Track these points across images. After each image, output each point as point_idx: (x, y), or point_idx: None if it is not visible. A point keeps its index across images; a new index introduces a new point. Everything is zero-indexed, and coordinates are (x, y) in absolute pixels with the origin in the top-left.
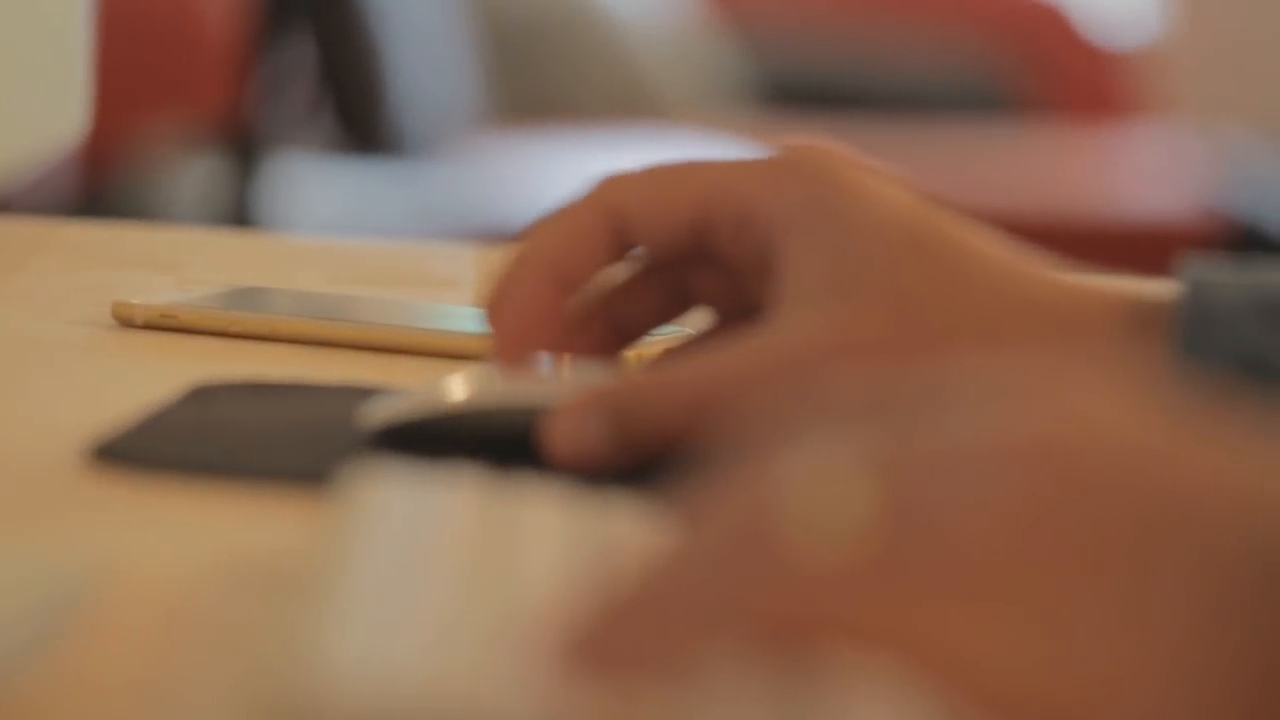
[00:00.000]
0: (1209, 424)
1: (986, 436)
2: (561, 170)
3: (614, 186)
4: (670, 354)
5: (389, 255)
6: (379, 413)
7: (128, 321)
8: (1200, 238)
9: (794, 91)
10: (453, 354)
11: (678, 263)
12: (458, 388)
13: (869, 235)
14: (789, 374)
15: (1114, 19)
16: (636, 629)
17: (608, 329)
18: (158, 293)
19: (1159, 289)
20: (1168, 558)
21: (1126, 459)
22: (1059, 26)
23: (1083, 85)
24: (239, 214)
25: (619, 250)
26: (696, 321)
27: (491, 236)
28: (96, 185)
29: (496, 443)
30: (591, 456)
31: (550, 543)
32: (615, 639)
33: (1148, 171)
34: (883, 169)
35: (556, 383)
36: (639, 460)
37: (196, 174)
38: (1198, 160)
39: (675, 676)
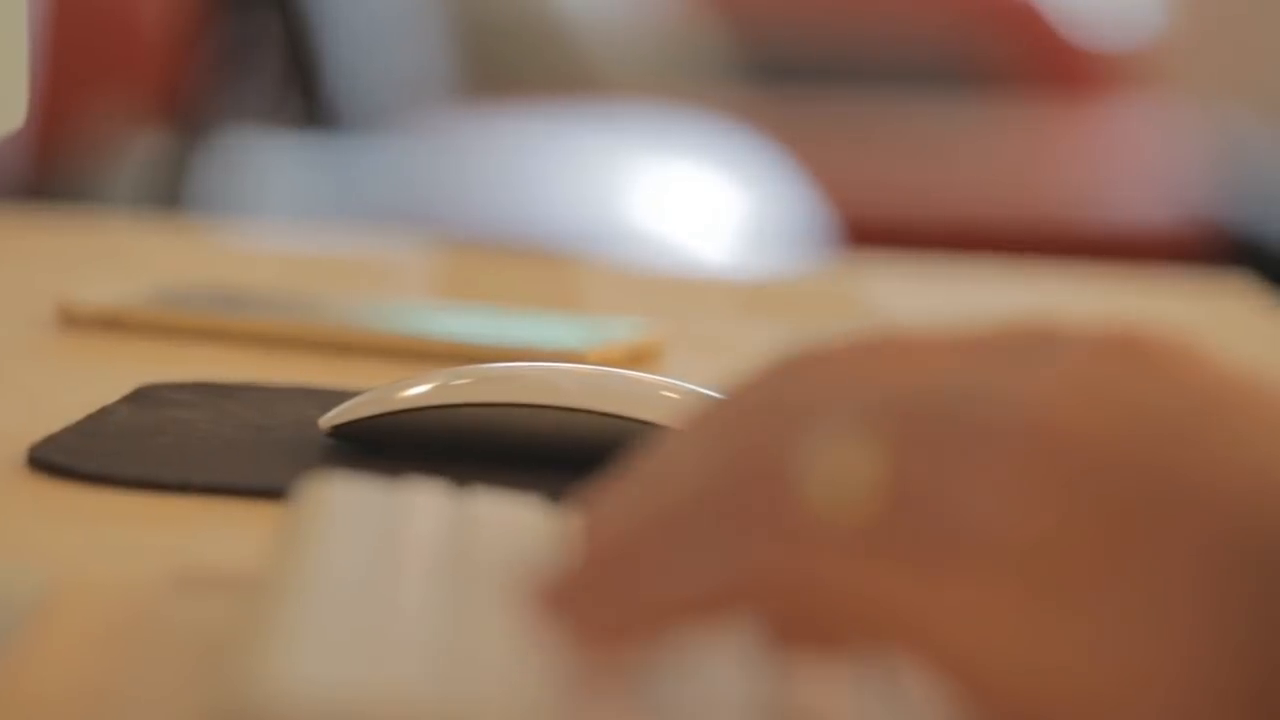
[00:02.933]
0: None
1: (1005, 412)
2: (519, 148)
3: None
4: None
5: (341, 249)
6: (333, 413)
7: (73, 321)
8: (1191, 245)
9: (773, 68)
10: (408, 353)
11: None
12: (413, 387)
13: None
14: None
15: (1110, 8)
16: (625, 578)
17: None
18: (104, 291)
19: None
20: (1185, 543)
21: (1153, 443)
22: (1036, 14)
23: (1067, 75)
24: (187, 194)
25: None
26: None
27: (444, 215)
28: (42, 168)
29: (453, 442)
30: None
31: (507, 557)
32: (604, 585)
33: (1138, 168)
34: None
35: (523, 383)
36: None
37: (142, 154)
38: (1192, 156)
39: (663, 634)
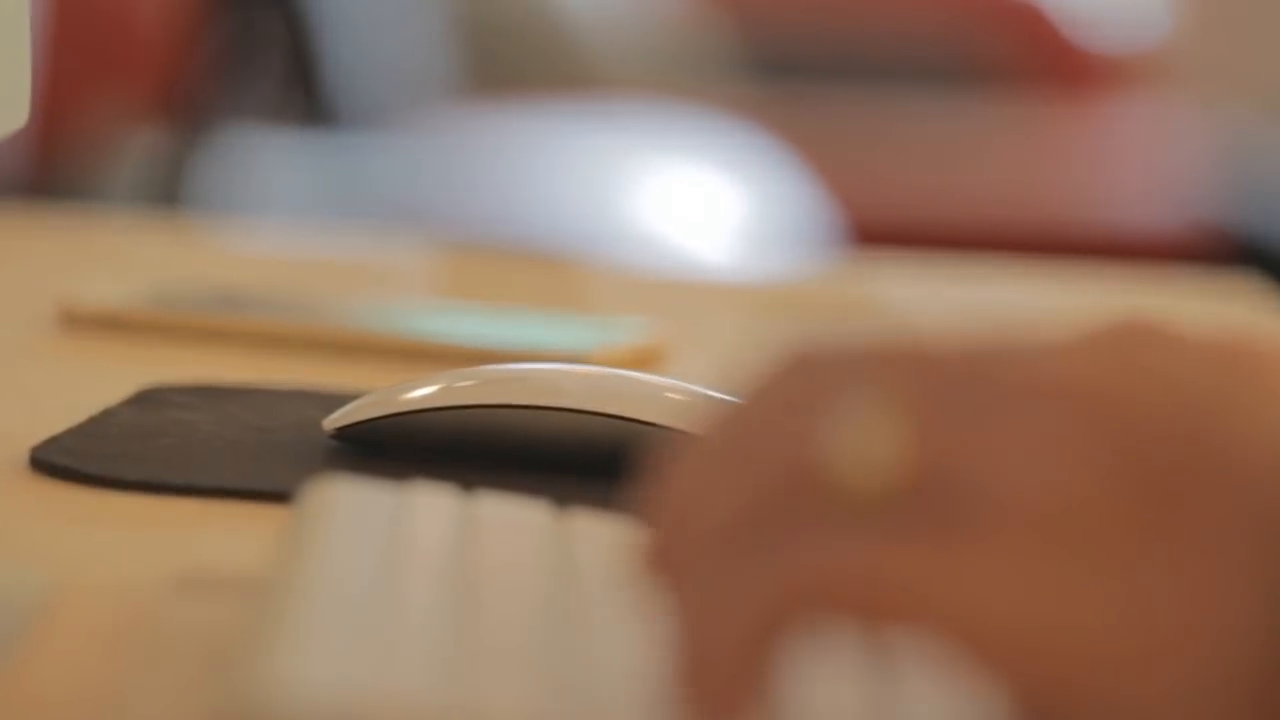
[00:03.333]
0: None
1: (1035, 376)
2: (522, 147)
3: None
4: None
5: (343, 249)
6: (337, 414)
7: (74, 321)
8: (1196, 246)
9: (778, 66)
10: (411, 355)
11: None
12: (417, 389)
13: None
14: None
15: (1116, 9)
16: (685, 624)
17: None
18: (105, 291)
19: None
20: (1218, 512)
21: (1187, 411)
22: (1043, 14)
23: (1074, 75)
24: (187, 192)
25: None
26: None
27: (446, 213)
28: (42, 166)
29: (456, 444)
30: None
31: (512, 560)
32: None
33: (1143, 169)
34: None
35: (526, 384)
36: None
37: (142, 152)
38: (1197, 157)
39: (756, 663)
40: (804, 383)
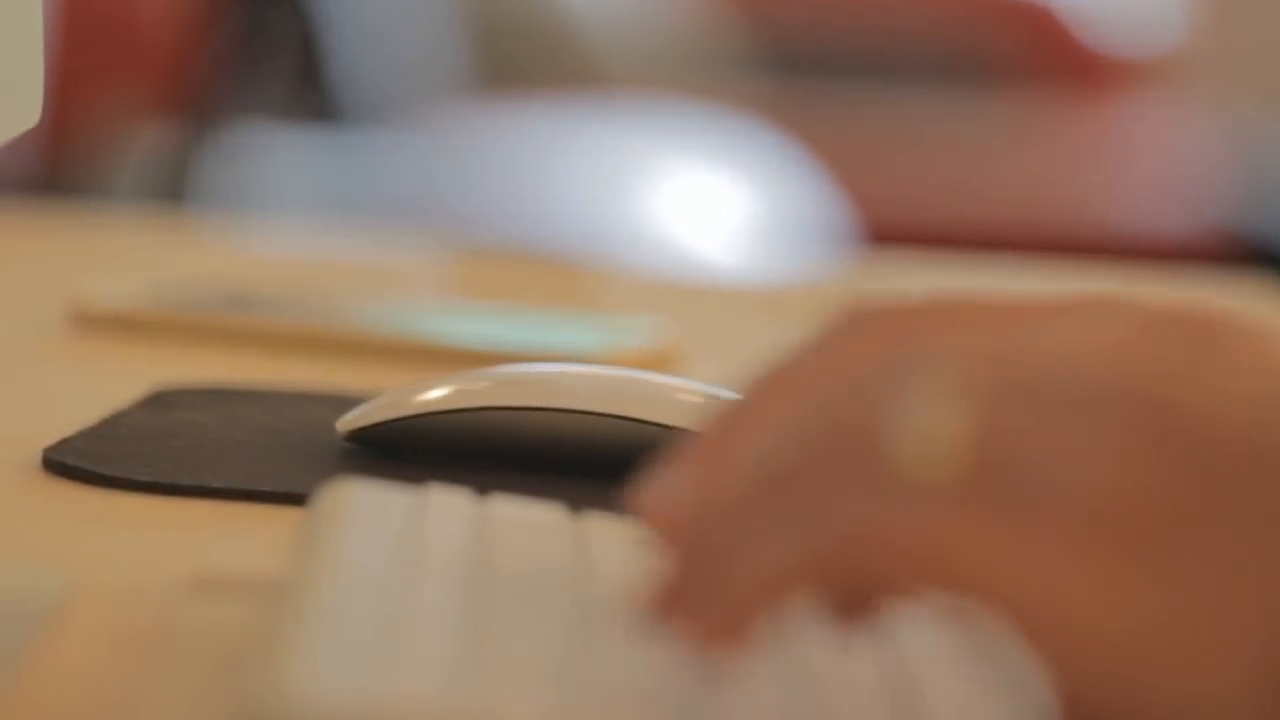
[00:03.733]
0: None
1: (1093, 375)
2: (531, 145)
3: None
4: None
5: (355, 249)
6: (350, 416)
7: (86, 322)
8: (1208, 247)
9: (790, 64)
10: (424, 356)
11: None
12: (430, 391)
13: None
14: None
15: (1130, 11)
16: (725, 558)
17: None
18: (116, 292)
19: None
20: (1269, 514)
21: (1243, 414)
22: (1057, 16)
23: (1089, 77)
24: (196, 189)
25: None
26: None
27: (455, 211)
28: (51, 163)
29: (470, 446)
30: None
31: (528, 563)
32: (708, 572)
33: (1156, 170)
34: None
35: (539, 386)
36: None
37: (151, 149)
38: (1210, 158)
39: (774, 608)
40: (864, 341)
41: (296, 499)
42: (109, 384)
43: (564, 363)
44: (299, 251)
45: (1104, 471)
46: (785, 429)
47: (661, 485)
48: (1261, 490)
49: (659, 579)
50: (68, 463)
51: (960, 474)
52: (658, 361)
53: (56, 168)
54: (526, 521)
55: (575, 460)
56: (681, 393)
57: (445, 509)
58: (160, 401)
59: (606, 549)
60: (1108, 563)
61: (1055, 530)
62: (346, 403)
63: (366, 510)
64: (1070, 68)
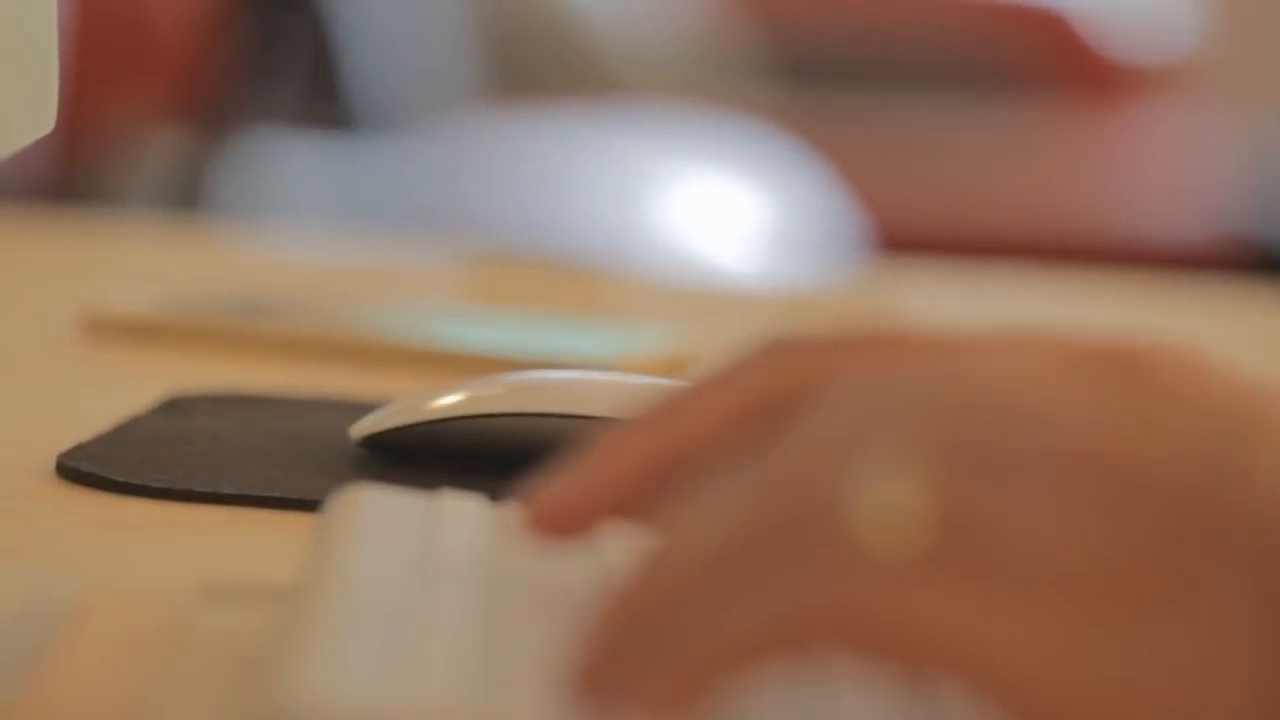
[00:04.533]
0: None
1: (1048, 437)
2: (545, 152)
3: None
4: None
5: (369, 255)
6: (364, 422)
7: (100, 329)
8: (1222, 256)
9: (804, 72)
10: (439, 363)
11: None
12: (444, 397)
13: None
14: None
15: (1145, 19)
16: (678, 627)
17: None
18: (131, 299)
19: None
20: (1244, 568)
21: (1198, 466)
22: (1071, 24)
23: (1102, 84)
24: (210, 195)
25: None
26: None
27: (469, 218)
28: (65, 169)
29: (484, 452)
30: None
31: (541, 570)
32: (656, 639)
33: (1171, 179)
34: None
35: (552, 391)
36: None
37: (165, 155)
38: (1224, 167)
39: (725, 682)
40: (781, 366)
41: (310, 505)
42: (123, 390)
43: (578, 369)
44: (313, 257)
45: (1069, 533)
46: (746, 506)
47: (554, 489)
48: (1220, 542)
49: (593, 647)
50: (82, 469)
51: (923, 543)
52: (672, 368)
53: (71, 174)
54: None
55: None
56: None
57: (459, 515)
58: (174, 408)
59: (620, 555)
60: (1081, 627)
61: (1024, 596)
62: (361, 409)
63: (380, 516)
64: (1084, 75)
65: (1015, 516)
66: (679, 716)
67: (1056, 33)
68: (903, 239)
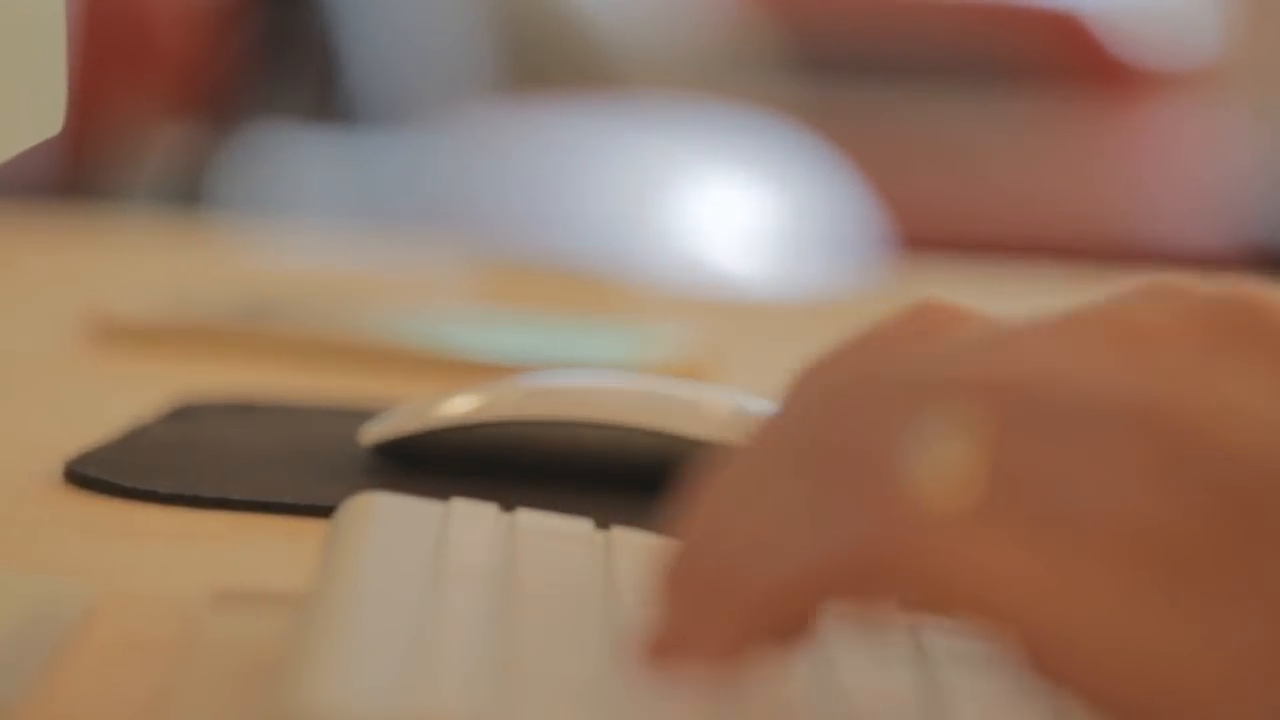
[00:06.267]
0: None
1: (1114, 396)
2: (554, 146)
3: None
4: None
5: (379, 256)
6: (374, 428)
7: (107, 332)
8: (1239, 258)
9: (820, 66)
10: (450, 367)
11: None
12: (456, 403)
13: None
14: None
15: (1164, 22)
16: (729, 567)
17: None
18: (138, 302)
19: None
20: None
21: (1256, 435)
22: (1089, 26)
23: (1120, 85)
24: (216, 191)
25: None
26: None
27: (477, 213)
28: (71, 165)
29: (496, 458)
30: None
31: (555, 578)
32: (707, 577)
33: (1188, 180)
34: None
35: (566, 398)
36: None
37: (171, 150)
38: (1242, 169)
39: (773, 621)
40: (873, 361)
41: (321, 511)
42: (130, 395)
43: (591, 373)
44: (321, 257)
45: (1126, 493)
46: (803, 452)
47: (687, 509)
48: None
49: (658, 615)
50: (90, 474)
51: (978, 495)
52: (687, 372)
53: (77, 171)
54: (553, 535)
55: (602, 473)
56: (711, 404)
57: (472, 522)
58: (183, 414)
59: (635, 563)
60: (1143, 589)
61: (1075, 553)
62: (370, 415)
63: (392, 523)
64: (1101, 75)
65: (1072, 472)
66: (734, 664)
67: (1074, 33)
68: (919, 237)
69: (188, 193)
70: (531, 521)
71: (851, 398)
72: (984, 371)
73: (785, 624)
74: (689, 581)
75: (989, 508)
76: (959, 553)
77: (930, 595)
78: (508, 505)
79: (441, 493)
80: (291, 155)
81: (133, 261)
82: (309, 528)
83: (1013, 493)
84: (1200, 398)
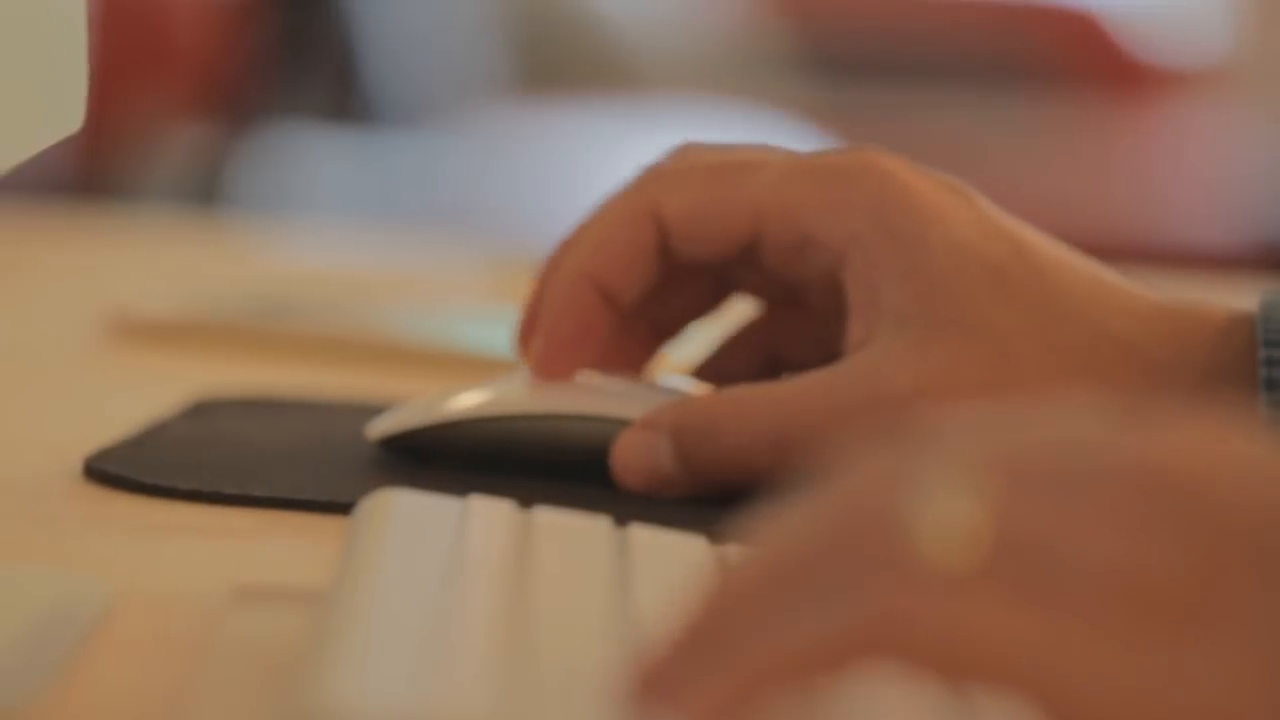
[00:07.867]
0: None
1: (1107, 455)
2: (570, 147)
3: (656, 188)
4: (718, 367)
5: (395, 254)
6: (383, 423)
7: (125, 330)
8: (1255, 260)
9: (835, 67)
10: (463, 364)
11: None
12: (463, 397)
13: (948, 259)
14: (883, 410)
15: (1179, 23)
16: (738, 637)
17: (646, 329)
18: (156, 300)
19: (1247, 302)
20: None
21: (1246, 481)
22: (1106, 26)
23: (1135, 86)
24: (233, 190)
25: (661, 263)
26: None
27: (493, 212)
28: (89, 163)
29: (505, 453)
30: (659, 479)
31: (573, 576)
32: (715, 648)
33: (1203, 182)
34: (943, 179)
35: (573, 393)
36: (704, 489)
37: (188, 149)
38: (1257, 171)
39: (782, 692)
40: (880, 461)
41: (340, 508)
42: (148, 392)
43: (600, 370)
44: (337, 256)
45: (1125, 547)
46: (813, 525)
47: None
48: None
49: (657, 654)
50: (109, 471)
51: (979, 560)
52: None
53: (94, 169)
54: (571, 532)
55: (610, 468)
56: None
57: (489, 519)
58: (202, 411)
59: (651, 561)
60: (1147, 643)
61: (1077, 614)
62: (387, 410)
63: (411, 520)
64: (1115, 75)
65: (1071, 534)
66: None
67: (1087, 33)
68: None
69: (205, 191)
70: (549, 518)
71: (867, 468)
72: (992, 440)
73: (779, 692)
74: (704, 629)
75: (988, 574)
76: (959, 620)
77: (933, 663)
78: (518, 500)
79: (457, 488)
80: (307, 154)
81: (150, 259)
82: (328, 524)
83: (1013, 556)
84: (1194, 459)
